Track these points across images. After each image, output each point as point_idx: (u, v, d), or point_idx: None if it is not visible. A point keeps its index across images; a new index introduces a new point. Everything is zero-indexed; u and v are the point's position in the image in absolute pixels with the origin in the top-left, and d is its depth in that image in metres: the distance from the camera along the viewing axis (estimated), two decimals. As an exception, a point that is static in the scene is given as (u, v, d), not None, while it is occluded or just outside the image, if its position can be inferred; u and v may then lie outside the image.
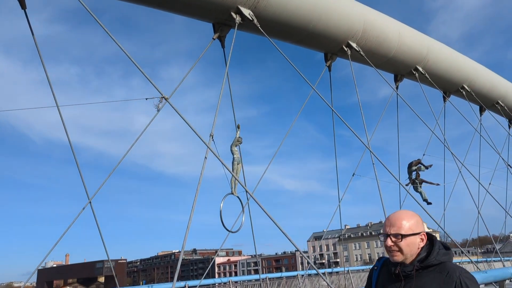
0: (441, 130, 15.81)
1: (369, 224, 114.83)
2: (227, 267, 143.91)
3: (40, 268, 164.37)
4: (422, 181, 15.97)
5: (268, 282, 17.18)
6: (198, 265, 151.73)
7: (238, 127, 10.92)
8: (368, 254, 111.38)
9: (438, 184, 16.17)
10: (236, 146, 10.71)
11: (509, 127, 23.20)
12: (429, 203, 15.86)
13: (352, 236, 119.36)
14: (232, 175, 7.13)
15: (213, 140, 7.48)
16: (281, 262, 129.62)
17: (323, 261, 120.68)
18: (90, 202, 8.06)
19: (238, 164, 10.21)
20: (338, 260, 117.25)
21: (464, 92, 18.55)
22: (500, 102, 20.63)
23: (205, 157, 6.65)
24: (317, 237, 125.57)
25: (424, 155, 17.76)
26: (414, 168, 16.10)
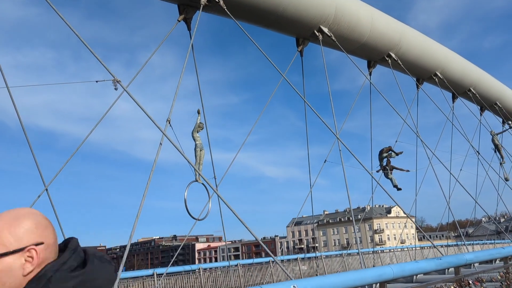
0: (412, 118, 15.87)
1: (347, 209, 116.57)
2: (207, 253, 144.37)
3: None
4: (392, 168, 16.08)
5: (240, 268, 17.15)
6: (178, 251, 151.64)
7: (198, 112, 10.59)
8: (346, 239, 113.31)
9: (408, 171, 16.33)
10: (197, 132, 10.42)
11: (481, 114, 23.53)
12: (399, 189, 16.00)
13: (330, 221, 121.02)
14: (189, 162, 6.88)
15: (170, 125, 7.21)
16: (261, 247, 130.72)
17: (302, 246, 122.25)
18: (46, 189, 7.73)
19: (201, 150, 9.95)
20: (316, 245, 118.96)
21: (436, 79, 18.64)
22: (472, 90, 20.82)
23: (160, 143, 6.40)
24: (297, 222, 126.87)
25: (396, 142, 17.88)
26: (384, 155, 16.18)
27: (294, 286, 4.61)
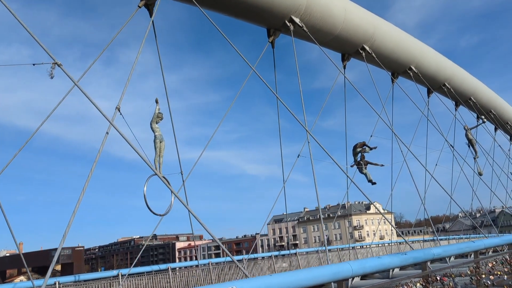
0: (387, 113, 15.64)
1: (327, 206, 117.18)
2: (188, 252, 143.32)
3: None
4: (367, 163, 15.86)
5: (211, 267, 16.69)
6: (159, 250, 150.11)
7: (156, 101, 10.04)
8: (326, 235, 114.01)
9: (382, 165, 16.14)
10: (156, 122, 9.86)
11: (456, 109, 23.60)
12: (373, 183, 15.80)
13: (311, 218, 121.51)
14: (139, 155, 6.33)
15: (120, 113, 6.70)
16: (242, 245, 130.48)
17: (283, 243, 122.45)
18: None
19: (161, 142, 9.44)
20: (297, 242, 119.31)
21: (411, 73, 18.50)
22: (446, 84, 20.80)
23: (107, 133, 5.89)
24: (277, 220, 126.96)
25: (371, 136, 17.67)
26: (358, 149, 15.95)
27: (232, 288, 4.20)
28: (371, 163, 15.88)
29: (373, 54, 15.63)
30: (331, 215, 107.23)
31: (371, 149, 15.94)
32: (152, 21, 9.40)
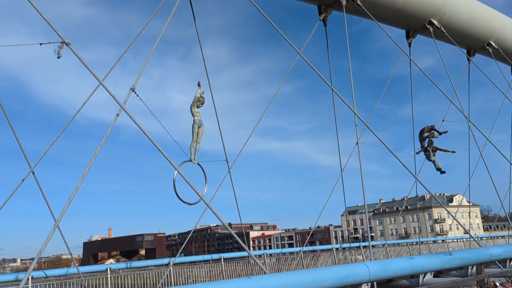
0: (458, 97, 14.00)
1: (405, 198, 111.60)
2: (262, 241, 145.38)
3: (85, 241, 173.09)
4: (435, 149, 14.41)
5: (267, 257, 16.35)
6: (233, 238, 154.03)
7: (199, 84, 9.58)
8: (404, 228, 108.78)
9: (454, 152, 14.56)
10: (197, 106, 9.47)
11: (548, 89, 20.78)
12: (442, 172, 14.35)
13: (387, 210, 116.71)
14: (153, 142, 6.08)
15: (136, 94, 6.52)
16: (315, 236, 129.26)
17: (357, 235, 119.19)
18: (32, 172, 7.38)
19: (199, 127, 9.09)
20: (373, 234, 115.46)
21: (490, 50, 16.51)
22: (535, 60, 18.33)
23: (117, 115, 5.76)
24: (351, 211, 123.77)
25: (443, 121, 16.08)
26: (425, 134, 14.53)
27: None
28: (440, 150, 14.42)
29: (442, 29, 14.13)
30: (408, 207, 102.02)
31: (440, 134, 14.47)
32: (191, 6, 9.21)
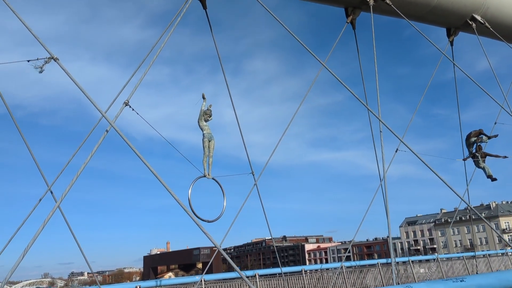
0: (506, 98, 12.98)
1: (468, 207, 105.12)
2: (317, 254, 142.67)
3: (145, 255, 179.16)
4: (485, 155, 13.38)
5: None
6: (289, 251, 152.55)
7: (203, 97, 9.37)
8: (469, 239, 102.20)
9: (506, 157, 13.42)
10: (205, 120, 9.33)
11: None
12: (493, 179, 13.26)
13: (449, 220, 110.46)
14: (141, 159, 6.15)
15: (131, 107, 6.60)
16: (373, 248, 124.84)
17: (418, 247, 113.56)
18: (50, 191, 7.73)
19: (209, 141, 8.90)
20: (435, 246, 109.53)
21: (545, 45, 15.27)
22: None
23: (106, 131, 5.87)
24: (410, 222, 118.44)
25: (495, 123, 14.97)
26: (473, 139, 13.55)
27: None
28: (490, 155, 13.37)
29: (486, 24, 13.27)
30: (473, 217, 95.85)
31: (489, 138, 13.44)
32: (206, 13, 9.34)
